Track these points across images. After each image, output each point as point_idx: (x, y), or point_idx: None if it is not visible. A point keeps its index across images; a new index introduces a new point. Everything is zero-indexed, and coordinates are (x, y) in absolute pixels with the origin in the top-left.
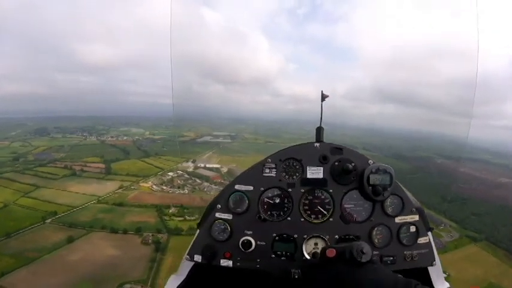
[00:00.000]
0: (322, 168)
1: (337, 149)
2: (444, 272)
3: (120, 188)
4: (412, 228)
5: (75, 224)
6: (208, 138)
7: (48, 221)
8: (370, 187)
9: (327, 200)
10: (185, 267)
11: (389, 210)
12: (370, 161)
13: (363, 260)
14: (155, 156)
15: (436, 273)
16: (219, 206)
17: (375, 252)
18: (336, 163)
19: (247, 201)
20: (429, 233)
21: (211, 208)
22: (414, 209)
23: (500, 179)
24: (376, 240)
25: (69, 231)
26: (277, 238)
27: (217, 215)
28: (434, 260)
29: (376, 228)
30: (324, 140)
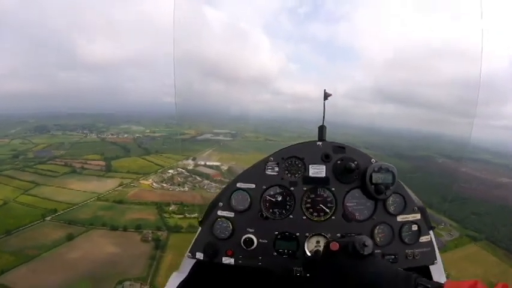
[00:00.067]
0: (324, 166)
1: (340, 148)
2: (445, 271)
3: (120, 185)
4: (414, 227)
5: (75, 221)
6: (209, 136)
7: (48, 218)
8: (373, 186)
9: (329, 199)
10: (187, 264)
11: (391, 209)
12: (372, 159)
13: (365, 253)
14: (155, 153)
15: (437, 272)
16: (221, 203)
17: (377, 251)
18: (339, 162)
19: (249, 199)
20: (431, 232)
21: (213, 206)
22: (416, 208)
23: (500, 179)
24: (378, 239)
25: (69, 229)
26: (279, 236)
27: (219, 212)
28: (436, 259)
29: (378, 227)
30: (325, 138)
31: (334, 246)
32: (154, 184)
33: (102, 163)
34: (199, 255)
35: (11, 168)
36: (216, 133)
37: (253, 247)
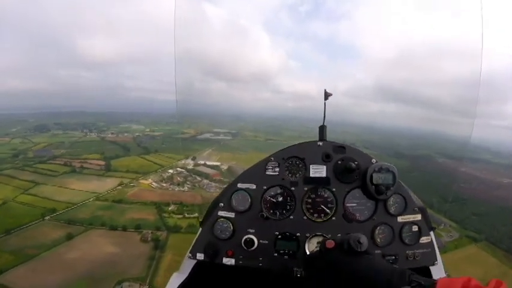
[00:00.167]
0: (325, 166)
1: (340, 148)
2: (445, 271)
3: (119, 185)
4: (415, 228)
5: (74, 221)
6: (209, 135)
7: (47, 218)
8: (373, 186)
9: (329, 199)
10: (187, 265)
11: (391, 210)
12: (373, 159)
13: (360, 250)
14: (155, 153)
15: (438, 272)
16: (222, 204)
17: (377, 251)
18: (339, 162)
19: (249, 200)
20: (431, 233)
21: (214, 206)
22: (417, 209)
23: (501, 179)
24: (378, 239)
25: (68, 228)
26: (279, 236)
27: (220, 213)
28: (436, 260)
29: (378, 227)
30: (326, 138)
31: (330, 244)
32: (153, 184)
33: (102, 162)
34: (200, 256)
35: (11, 168)
36: (216, 132)
37: (253, 247)
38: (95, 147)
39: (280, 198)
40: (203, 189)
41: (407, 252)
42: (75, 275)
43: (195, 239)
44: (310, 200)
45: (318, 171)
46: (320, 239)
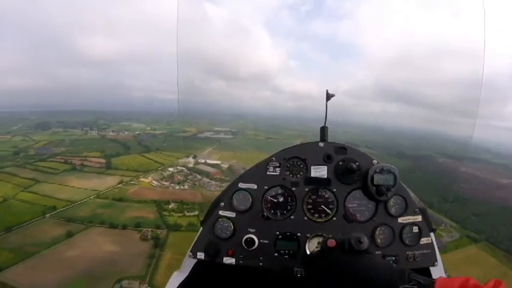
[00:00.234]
0: (326, 167)
1: (342, 149)
2: (445, 273)
3: (120, 183)
4: (415, 229)
5: (74, 219)
6: (209, 134)
7: (48, 215)
8: (374, 187)
9: (330, 200)
10: (188, 264)
11: (392, 211)
12: (374, 160)
13: (361, 249)
14: (156, 151)
15: (437, 273)
16: (223, 203)
17: (377, 252)
18: (340, 162)
19: (250, 200)
20: (431, 234)
21: (215, 206)
22: (417, 210)
23: (501, 180)
24: (378, 240)
25: (68, 226)
26: (280, 236)
27: (221, 212)
28: (436, 261)
29: (379, 228)
30: (327, 139)
31: (331, 243)
32: (154, 182)
33: (102, 160)
34: (201, 255)
35: (11, 165)
36: (217, 131)
37: (254, 247)
38: (95, 145)
39: (281, 199)
40: (203, 188)
41: (407, 253)
42: (75, 273)
43: (196, 238)
44: (311, 201)
45: (319, 172)
46: (320, 239)
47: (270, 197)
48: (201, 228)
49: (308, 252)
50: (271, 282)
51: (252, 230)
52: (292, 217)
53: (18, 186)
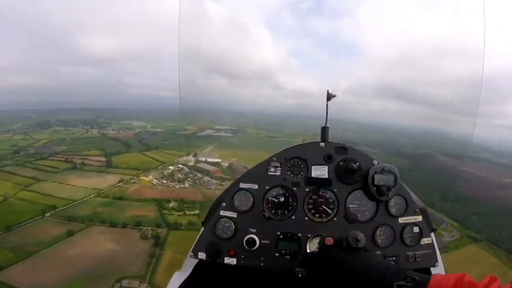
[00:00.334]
0: (327, 167)
1: (342, 149)
2: (445, 273)
3: (120, 181)
4: (416, 229)
5: (75, 217)
6: (210, 132)
7: (48, 214)
8: (375, 187)
9: (331, 200)
10: (189, 264)
11: (393, 211)
12: (374, 161)
13: (358, 246)
14: (156, 149)
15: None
16: (224, 204)
17: (378, 252)
18: (341, 163)
19: (252, 200)
20: (432, 234)
21: (216, 206)
22: (418, 210)
23: (502, 179)
24: (379, 241)
25: (68, 225)
26: (281, 237)
27: (222, 212)
28: (437, 261)
29: (379, 229)
30: (328, 139)
31: (329, 241)
32: (154, 180)
33: (103, 159)
34: (202, 255)
35: (11, 164)
36: (217, 129)
37: (255, 247)
38: (95, 144)
39: (282, 199)
40: (204, 186)
41: (408, 253)
42: (75, 272)
43: (197, 238)
44: (311, 201)
45: (319, 172)
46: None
47: (271, 197)
48: (203, 229)
49: (309, 252)
50: (272, 283)
51: (253, 230)
52: (293, 217)
53: (18, 185)
